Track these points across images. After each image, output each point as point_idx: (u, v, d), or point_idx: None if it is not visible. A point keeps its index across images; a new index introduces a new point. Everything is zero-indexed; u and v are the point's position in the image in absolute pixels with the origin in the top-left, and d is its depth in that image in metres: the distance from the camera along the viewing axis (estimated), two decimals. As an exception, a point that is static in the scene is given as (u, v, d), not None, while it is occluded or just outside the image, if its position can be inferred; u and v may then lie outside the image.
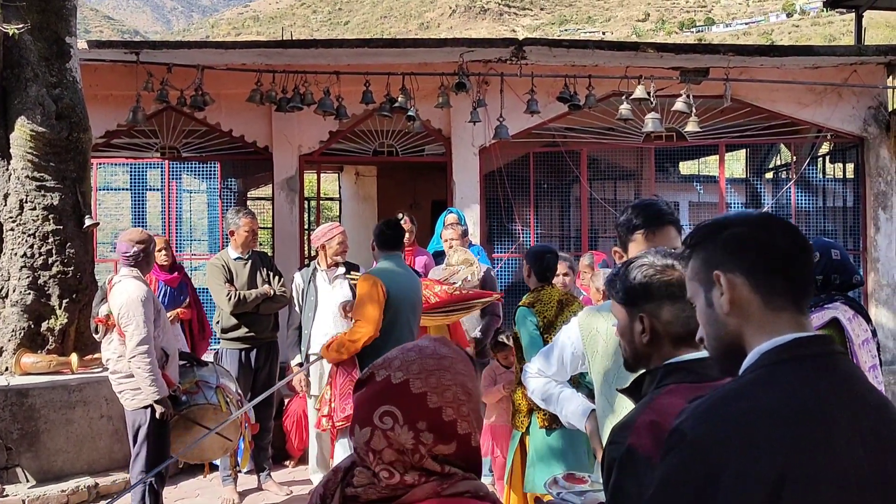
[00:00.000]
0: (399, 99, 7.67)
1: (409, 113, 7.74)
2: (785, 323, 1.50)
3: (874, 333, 3.65)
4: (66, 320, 6.56)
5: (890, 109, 8.51)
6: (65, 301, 6.57)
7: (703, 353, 2.04)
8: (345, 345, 4.93)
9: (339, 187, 15.09)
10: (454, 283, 5.72)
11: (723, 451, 1.37)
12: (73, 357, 6.39)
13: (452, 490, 1.47)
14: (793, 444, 1.34)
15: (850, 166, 9.14)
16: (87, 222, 6.77)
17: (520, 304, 4.79)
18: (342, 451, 5.16)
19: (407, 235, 6.99)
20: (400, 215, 5.51)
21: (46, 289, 6.52)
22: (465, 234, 6.61)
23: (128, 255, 5.00)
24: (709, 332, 1.62)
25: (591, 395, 2.98)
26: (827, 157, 9.79)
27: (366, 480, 1.50)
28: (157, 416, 4.86)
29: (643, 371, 2.08)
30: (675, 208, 10.76)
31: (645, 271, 2.08)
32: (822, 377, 1.43)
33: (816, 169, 9.57)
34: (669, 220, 2.69)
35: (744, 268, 1.54)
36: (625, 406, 2.35)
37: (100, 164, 8.90)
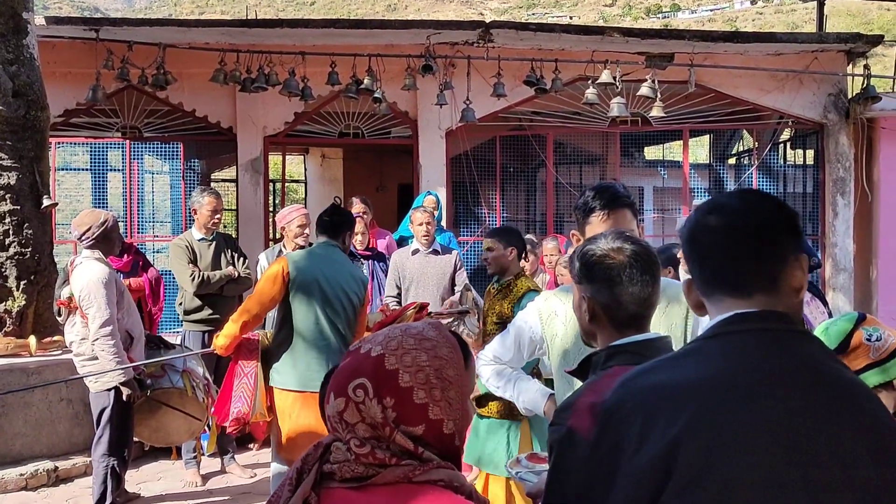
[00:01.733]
0: (365, 80, 7.63)
1: (376, 95, 7.70)
2: (727, 307, 1.52)
3: (830, 316, 3.72)
4: (24, 302, 6.45)
5: (849, 97, 8.63)
6: (22, 283, 6.45)
7: (648, 335, 2.07)
8: (230, 325, 4.71)
9: (305, 169, 14.99)
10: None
11: (625, 422, 1.43)
12: (32, 339, 6.29)
13: (425, 477, 1.46)
14: (692, 414, 1.36)
15: (810, 153, 9.28)
16: (46, 202, 6.65)
17: (530, 288, 4.63)
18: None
19: (360, 220, 6.93)
20: (337, 200, 5.30)
21: (3, 270, 6.40)
22: (434, 217, 6.42)
23: (83, 238, 4.92)
24: None
25: (549, 385, 2.99)
26: (788, 144, 9.93)
27: (342, 457, 1.49)
28: (124, 398, 4.81)
29: (590, 353, 2.11)
30: (639, 193, 10.87)
31: (589, 254, 2.10)
32: (752, 351, 1.44)
33: (777, 155, 9.70)
34: (625, 202, 2.71)
35: (689, 262, 1.59)
36: (583, 388, 2.37)
37: (59, 143, 8.75)
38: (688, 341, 2.67)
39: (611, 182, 2.92)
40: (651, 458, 1.37)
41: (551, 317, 2.80)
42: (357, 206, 6.87)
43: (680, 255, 4.96)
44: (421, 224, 6.21)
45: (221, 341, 4.76)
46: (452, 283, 6.23)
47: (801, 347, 1.47)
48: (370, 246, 6.70)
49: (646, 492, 1.36)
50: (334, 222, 4.86)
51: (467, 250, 8.65)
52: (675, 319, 2.66)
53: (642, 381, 1.49)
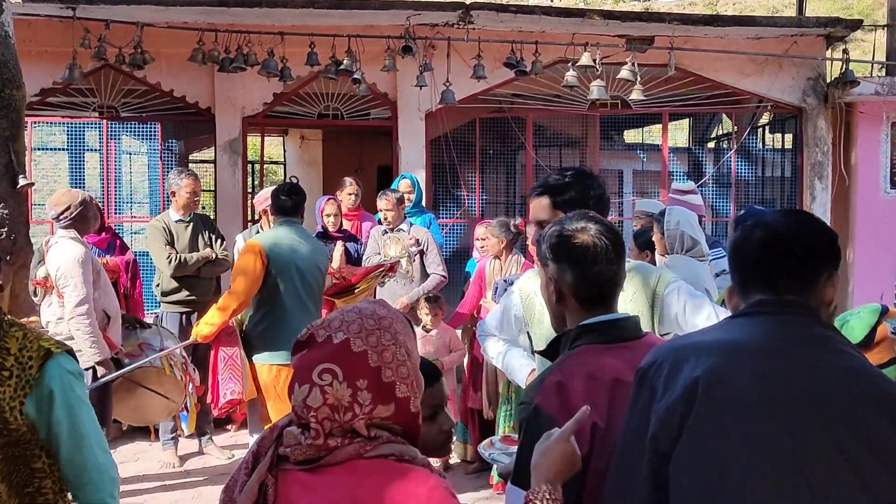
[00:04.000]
0: (345, 61, 7.58)
1: (355, 76, 7.66)
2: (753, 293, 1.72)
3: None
4: None
5: (828, 81, 8.68)
6: (-1, 263, 6.39)
7: (616, 315, 2.10)
8: (217, 312, 4.84)
9: (284, 151, 14.91)
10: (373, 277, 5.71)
11: (656, 374, 1.63)
12: (8, 320, 6.24)
13: (376, 452, 1.49)
14: (711, 360, 1.56)
15: (788, 137, 9.33)
16: (22, 182, 6.54)
17: None
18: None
19: (353, 199, 6.98)
20: (294, 179, 5.41)
21: (-21, 251, 6.33)
22: (400, 201, 6.50)
23: (60, 217, 4.89)
24: None
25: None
26: (767, 128, 9.98)
27: (293, 441, 1.51)
28: (99, 377, 4.80)
29: (559, 333, 2.13)
30: (618, 176, 10.88)
31: (554, 235, 2.13)
32: (773, 325, 1.61)
33: (756, 139, 9.75)
34: (540, 191, 2.83)
35: (732, 272, 1.80)
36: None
37: (35, 122, 8.64)
38: (655, 326, 2.70)
39: (561, 170, 2.99)
40: (673, 400, 1.55)
41: (530, 297, 2.84)
42: (350, 188, 6.93)
43: (655, 238, 5.00)
44: (381, 210, 6.42)
45: (206, 330, 4.85)
46: (421, 258, 6.39)
47: (826, 336, 1.61)
48: (342, 228, 6.74)
49: (671, 429, 1.53)
50: (295, 202, 5.07)
51: (447, 232, 8.65)
52: (641, 304, 2.68)
53: (672, 343, 1.74)
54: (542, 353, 2.19)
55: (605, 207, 2.77)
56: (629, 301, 2.62)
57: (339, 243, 6.38)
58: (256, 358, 4.91)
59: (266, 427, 4.88)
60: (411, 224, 6.53)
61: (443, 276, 6.39)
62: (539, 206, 2.76)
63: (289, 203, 5.05)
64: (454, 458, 6.08)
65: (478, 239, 6.71)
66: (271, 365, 4.88)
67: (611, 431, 1.79)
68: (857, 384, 1.51)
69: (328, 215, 6.50)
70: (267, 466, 1.51)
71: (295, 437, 1.51)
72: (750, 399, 1.50)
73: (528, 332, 2.94)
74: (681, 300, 2.68)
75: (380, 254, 6.31)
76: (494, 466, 4.07)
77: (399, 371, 1.53)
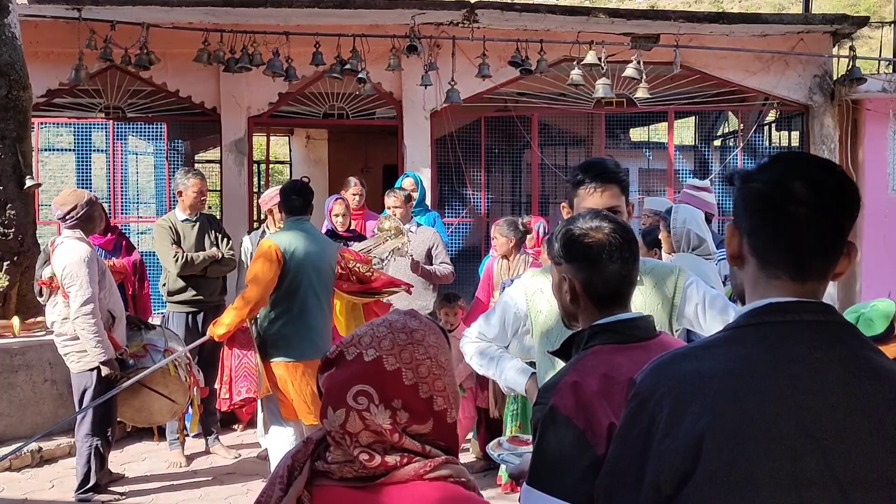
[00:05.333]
0: (350, 61, 7.59)
1: (360, 76, 7.66)
2: (775, 288, 1.46)
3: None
4: (7, 283, 6.42)
5: (834, 78, 8.65)
6: (6, 263, 6.43)
7: (630, 315, 2.09)
8: (233, 312, 4.88)
9: (290, 150, 14.92)
10: (374, 257, 5.67)
11: (658, 407, 1.42)
12: (15, 320, 6.27)
13: (436, 473, 1.45)
14: (721, 406, 1.36)
15: (795, 134, 9.30)
16: (29, 183, 6.61)
17: None
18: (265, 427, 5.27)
19: (358, 199, 6.98)
20: (306, 179, 5.43)
21: (-14, 251, 6.37)
22: (408, 199, 6.50)
23: (67, 217, 4.90)
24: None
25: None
26: (773, 125, 9.95)
27: (342, 458, 1.45)
28: (104, 377, 4.81)
29: (572, 332, 2.12)
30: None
31: (568, 232, 2.11)
32: (790, 343, 1.40)
33: (763, 136, 9.73)
34: (613, 178, 2.72)
35: (747, 226, 1.49)
36: (566, 366, 2.39)
37: (42, 123, 8.67)
38: (674, 324, 2.70)
39: (604, 158, 2.95)
40: (678, 446, 1.36)
41: (536, 293, 2.81)
42: (355, 188, 6.93)
43: (662, 236, 4.98)
44: (389, 208, 6.38)
45: (222, 330, 4.88)
46: (430, 259, 6.36)
47: (841, 339, 1.42)
48: (359, 230, 6.75)
49: (672, 479, 1.37)
50: (305, 201, 5.14)
51: (452, 231, 8.65)
52: (660, 301, 2.68)
53: (675, 368, 1.47)
54: (554, 352, 2.18)
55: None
56: (649, 294, 2.63)
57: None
58: (274, 356, 4.96)
59: (289, 421, 5.01)
60: (418, 224, 6.53)
61: (452, 270, 6.41)
62: (611, 195, 2.71)
63: (299, 202, 5.10)
64: (469, 457, 6.07)
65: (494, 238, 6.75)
66: (288, 362, 4.95)
67: None
68: None
69: (336, 215, 6.51)
70: (304, 482, 1.46)
71: (345, 454, 1.45)
72: (781, 457, 1.33)
73: (530, 334, 2.90)
74: (700, 293, 2.70)
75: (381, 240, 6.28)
76: (503, 467, 4.05)
77: (435, 384, 1.48)
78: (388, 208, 6.38)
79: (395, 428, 1.43)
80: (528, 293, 2.85)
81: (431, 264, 6.34)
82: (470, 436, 6.17)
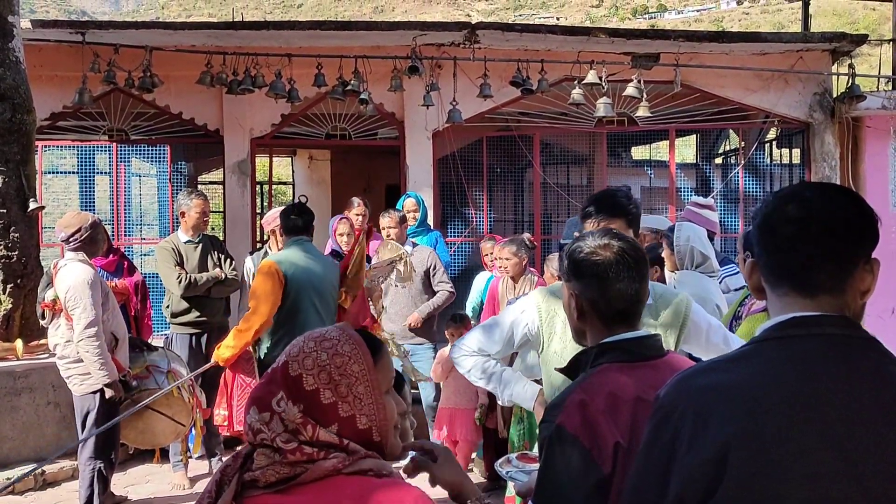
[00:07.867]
0: (352, 82, 7.63)
1: (362, 96, 7.70)
2: (786, 305, 1.49)
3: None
4: (10, 306, 6.43)
5: (834, 96, 8.68)
6: (9, 286, 6.43)
7: (640, 333, 2.09)
8: (238, 334, 4.82)
9: (293, 171, 14.97)
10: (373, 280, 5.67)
11: (681, 420, 1.43)
12: (19, 343, 6.27)
13: (355, 467, 1.48)
14: (744, 420, 1.35)
15: (796, 152, 9.33)
16: (32, 206, 6.63)
17: None
18: None
19: (361, 219, 6.98)
20: (304, 198, 5.42)
21: (-10, 274, 6.38)
22: (402, 220, 6.50)
23: (70, 240, 4.91)
24: None
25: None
26: (774, 143, 9.97)
27: (265, 461, 1.48)
28: (108, 399, 4.80)
29: (580, 351, 2.12)
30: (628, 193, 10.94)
31: (577, 251, 2.12)
32: (812, 358, 1.41)
33: (764, 154, 9.75)
34: (620, 212, 2.78)
35: (758, 256, 1.55)
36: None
37: (45, 146, 8.72)
38: (677, 350, 2.73)
39: (616, 189, 2.98)
40: (702, 460, 1.36)
41: (552, 316, 2.82)
42: (358, 209, 6.93)
43: (665, 254, 4.99)
44: (384, 228, 6.42)
45: (227, 353, 4.81)
46: (429, 280, 6.38)
47: (865, 354, 1.42)
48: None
49: (697, 492, 1.36)
50: (305, 221, 5.11)
51: (454, 251, 8.66)
52: (665, 328, 2.72)
53: (696, 381, 1.48)
54: (562, 370, 2.18)
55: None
56: (657, 321, 2.70)
57: None
58: None
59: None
60: (415, 245, 6.53)
61: (451, 290, 6.39)
62: (616, 228, 2.75)
63: (299, 222, 5.08)
64: (476, 477, 6.04)
65: (486, 255, 6.72)
66: None
67: (634, 450, 1.75)
68: None
69: (341, 234, 6.52)
70: (232, 494, 1.48)
71: (268, 456, 1.48)
72: (807, 472, 1.32)
73: (538, 352, 2.91)
74: (704, 324, 2.83)
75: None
76: (511, 484, 4.03)
77: (338, 390, 1.50)
78: (383, 228, 6.37)
79: (307, 421, 1.47)
80: (542, 314, 2.86)
81: (429, 283, 6.34)
82: (474, 456, 6.14)
